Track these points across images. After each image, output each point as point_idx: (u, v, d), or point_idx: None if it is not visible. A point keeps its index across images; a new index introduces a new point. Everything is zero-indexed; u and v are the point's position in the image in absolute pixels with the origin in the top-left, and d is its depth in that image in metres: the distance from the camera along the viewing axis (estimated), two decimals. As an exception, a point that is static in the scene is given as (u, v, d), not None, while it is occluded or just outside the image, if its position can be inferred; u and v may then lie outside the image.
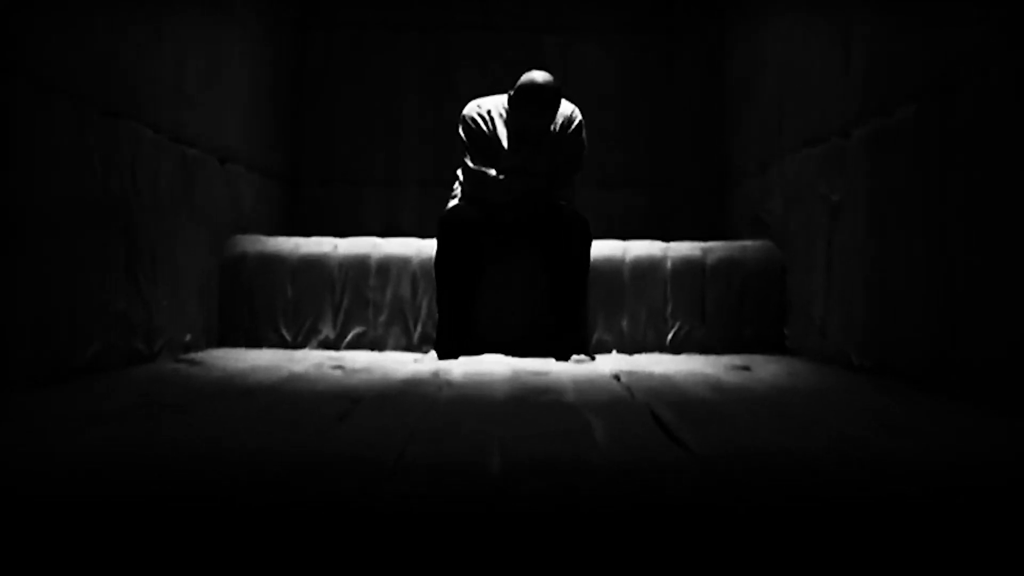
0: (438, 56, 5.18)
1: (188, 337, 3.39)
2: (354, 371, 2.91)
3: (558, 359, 3.41)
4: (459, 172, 3.74)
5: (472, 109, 3.63)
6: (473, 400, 2.30)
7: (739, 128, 4.61)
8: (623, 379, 2.73)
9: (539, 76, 3.43)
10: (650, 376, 2.85)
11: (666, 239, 4.00)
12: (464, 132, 3.60)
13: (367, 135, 5.15)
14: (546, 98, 3.41)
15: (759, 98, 4.21)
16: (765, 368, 3.12)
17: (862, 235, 2.95)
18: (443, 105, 4.94)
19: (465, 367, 3.10)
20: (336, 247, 3.83)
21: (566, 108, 3.61)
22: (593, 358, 3.48)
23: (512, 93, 3.48)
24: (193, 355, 3.26)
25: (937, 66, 2.48)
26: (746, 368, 3.09)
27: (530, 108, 3.42)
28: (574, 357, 3.40)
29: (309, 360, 3.24)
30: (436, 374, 2.82)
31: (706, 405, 2.22)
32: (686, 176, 5.12)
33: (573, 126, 3.59)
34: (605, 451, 1.65)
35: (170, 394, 2.28)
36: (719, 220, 4.90)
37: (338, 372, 2.90)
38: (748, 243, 3.92)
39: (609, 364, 3.28)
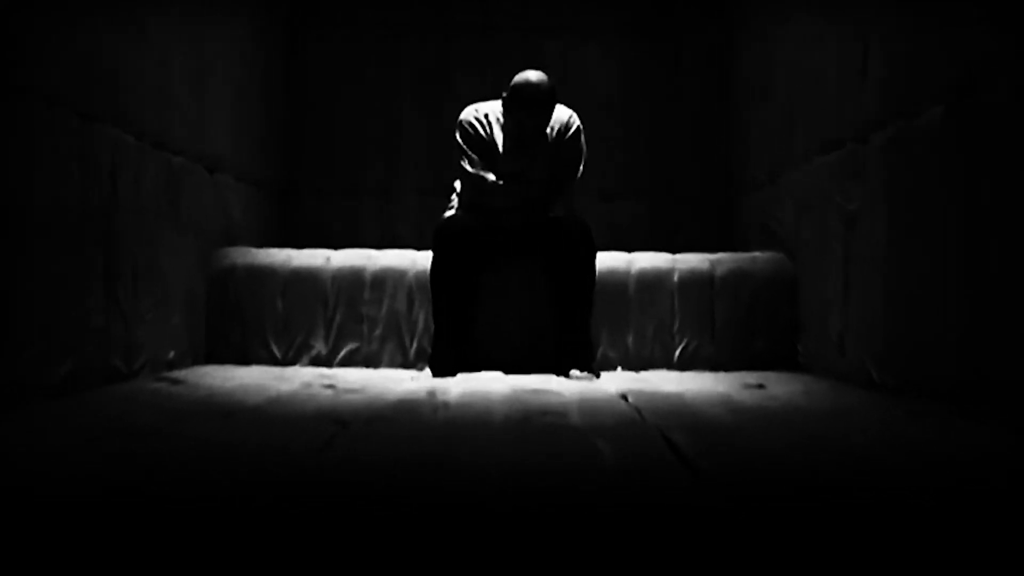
0: (437, 60, 5.03)
1: (172, 354, 3.23)
2: (345, 390, 2.75)
3: (560, 376, 3.24)
4: (456, 183, 3.59)
5: (469, 113, 3.48)
6: (470, 424, 2.14)
7: (747, 135, 4.46)
8: (631, 399, 2.56)
9: (533, 75, 3.28)
10: (659, 395, 2.69)
11: (670, 250, 3.84)
12: (461, 137, 3.45)
13: (363, 143, 5.00)
14: (540, 98, 3.26)
15: (768, 103, 4.07)
16: (780, 386, 2.96)
17: (882, 245, 2.79)
18: (442, 111, 4.77)
19: (462, 385, 2.94)
20: (329, 259, 3.67)
21: (563, 113, 3.46)
22: (597, 375, 3.32)
23: (505, 94, 3.33)
24: (176, 373, 3.10)
25: (965, 65, 2.33)
26: (760, 386, 2.93)
27: (524, 109, 3.27)
28: (577, 375, 3.23)
29: (299, 378, 3.08)
30: (431, 394, 2.66)
31: (723, 429, 2.06)
32: (691, 185, 4.96)
33: (571, 132, 3.44)
34: (616, 484, 1.49)
35: (141, 417, 2.11)
36: (725, 230, 4.75)
37: (328, 391, 2.74)
38: (758, 254, 3.76)
39: (614, 382, 3.12)
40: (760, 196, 4.18)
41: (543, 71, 3.35)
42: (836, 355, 3.16)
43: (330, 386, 2.84)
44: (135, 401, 2.41)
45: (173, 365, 3.23)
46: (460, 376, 3.25)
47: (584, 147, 3.48)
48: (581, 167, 3.48)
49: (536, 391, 2.76)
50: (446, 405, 2.43)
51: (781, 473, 1.58)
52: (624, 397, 2.60)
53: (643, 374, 3.45)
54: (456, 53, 5.03)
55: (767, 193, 4.07)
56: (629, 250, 3.78)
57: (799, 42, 3.67)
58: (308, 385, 2.85)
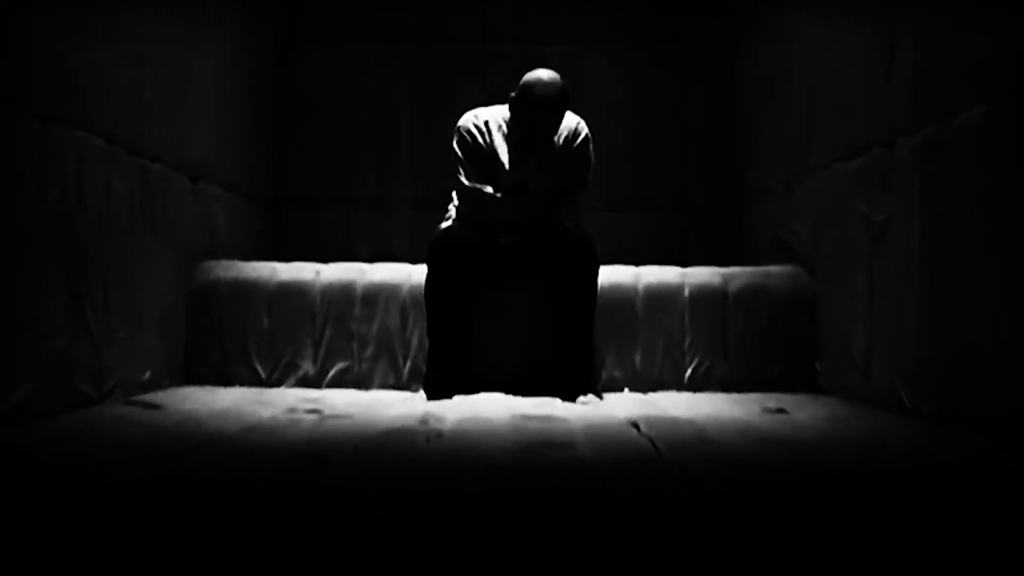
0: (434, 69, 4.82)
1: (147, 375, 3.00)
2: (331, 416, 2.52)
3: (564, 399, 3.02)
4: (454, 193, 3.38)
5: (468, 120, 3.27)
6: (467, 457, 1.91)
7: (759, 143, 4.25)
8: (643, 427, 2.34)
9: (545, 74, 3.07)
10: (673, 422, 2.47)
11: (679, 263, 3.62)
12: (459, 146, 3.23)
13: (356, 153, 4.78)
14: (554, 98, 3.05)
15: (783, 109, 3.85)
16: (802, 410, 2.74)
17: (915, 257, 2.57)
18: (439, 121, 4.54)
19: (459, 410, 2.71)
20: (318, 273, 3.45)
21: (571, 120, 3.24)
22: (602, 397, 3.10)
23: (514, 95, 3.12)
24: (151, 396, 2.87)
25: (1013, 58, 2.11)
26: (781, 411, 2.71)
27: (536, 109, 3.05)
28: (581, 398, 3.01)
29: (283, 401, 2.85)
30: (425, 420, 2.43)
31: (750, 464, 1.84)
32: (699, 195, 4.73)
33: (579, 140, 3.22)
34: (636, 532, 1.27)
35: (94, 449, 1.89)
36: (736, 243, 4.52)
37: (312, 417, 2.51)
38: (773, 268, 3.54)
39: (622, 406, 2.89)
40: (773, 206, 3.97)
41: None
42: (860, 377, 2.94)
43: (315, 411, 2.61)
44: (95, 429, 2.18)
45: (148, 387, 3.01)
46: (456, 399, 3.02)
47: (592, 156, 3.27)
48: (589, 178, 3.27)
49: (539, 417, 2.53)
50: (440, 435, 2.21)
51: (819, 525, 1.36)
52: (635, 425, 2.38)
53: (651, 396, 3.22)
54: (454, 60, 4.82)
55: (781, 203, 3.85)
56: (636, 263, 3.56)
57: (816, 43, 3.46)
58: (291, 410, 2.63)
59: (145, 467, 1.73)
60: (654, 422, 2.44)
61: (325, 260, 3.60)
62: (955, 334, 2.36)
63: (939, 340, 2.44)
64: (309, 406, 2.72)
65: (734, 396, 3.19)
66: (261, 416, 2.51)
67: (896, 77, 2.73)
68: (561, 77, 3.11)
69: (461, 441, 2.13)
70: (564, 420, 2.48)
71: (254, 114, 4.33)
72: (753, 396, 3.16)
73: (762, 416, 2.64)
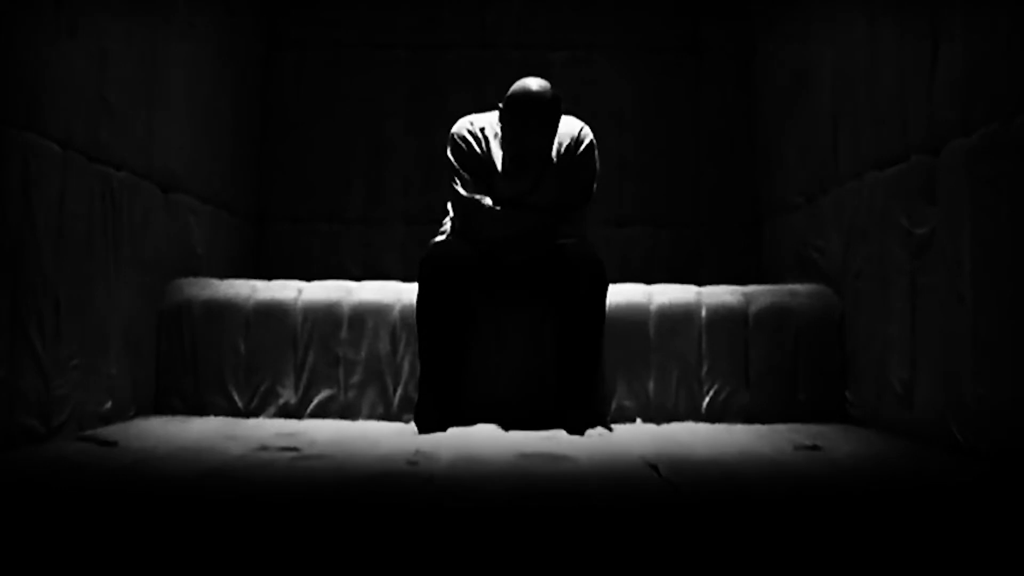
0: (428, 76, 4.54)
1: (107, 405, 2.70)
2: (308, 456, 2.22)
3: (570, 432, 2.72)
4: (448, 206, 3.09)
5: (463, 126, 2.99)
6: (462, 513, 1.61)
7: (778, 152, 3.96)
8: (663, 470, 2.03)
9: (533, 83, 2.80)
10: (695, 463, 2.17)
11: (694, 282, 3.33)
12: (453, 153, 2.95)
13: (345, 165, 4.49)
14: (544, 109, 2.78)
15: (805, 116, 3.57)
16: (837, 446, 2.44)
17: (966, 275, 2.29)
18: (434, 132, 4.25)
19: (454, 446, 2.41)
20: (300, 292, 3.15)
21: (573, 126, 2.97)
22: (611, 429, 2.80)
23: (502, 105, 2.85)
24: (110, 430, 2.57)
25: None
26: (815, 447, 2.40)
27: (525, 122, 2.78)
28: (589, 431, 2.71)
29: (257, 436, 2.55)
30: (415, 461, 2.13)
31: (793, 519, 1.54)
32: (713, 209, 4.44)
33: (583, 147, 2.94)
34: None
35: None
36: (754, 260, 4.23)
37: (288, 456, 2.22)
38: (798, 287, 3.25)
39: (635, 440, 2.60)
40: (794, 220, 3.68)
41: (547, 81, 2.86)
42: (900, 408, 2.64)
43: (291, 448, 2.31)
44: (26, 472, 1.88)
45: (109, 419, 2.71)
46: (451, 431, 2.72)
47: (597, 165, 2.99)
48: (594, 188, 2.99)
49: (543, 456, 2.23)
50: (431, 479, 1.91)
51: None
52: (654, 468, 2.07)
53: (666, 428, 2.93)
54: (450, 67, 4.54)
55: (804, 216, 3.57)
56: (645, 281, 3.27)
57: (843, 43, 3.18)
58: (264, 448, 2.32)
59: (55, 529, 1.43)
60: (673, 462, 2.14)
61: (312, 278, 3.31)
62: (1016, 365, 2.07)
63: (1000, 370, 2.15)
64: (285, 442, 2.42)
65: (757, 428, 2.89)
66: (229, 455, 2.21)
67: (940, 75, 2.45)
68: (552, 86, 2.84)
69: (455, 488, 1.83)
70: (573, 460, 2.18)
71: (235, 122, 4.05)
72: (779, 429, 2.86)
73: (794, 454, 2.34)
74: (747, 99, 4.38)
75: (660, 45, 4.53)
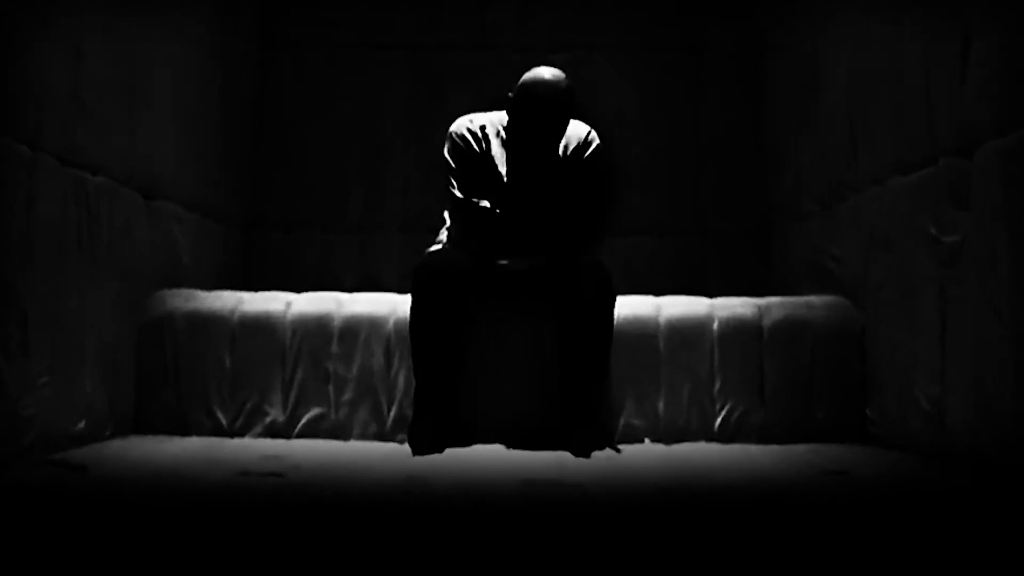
0: (426, 79, 4.37)
1: (81, 425, 2.53)
2: (294, 483, 2.05)
3: (575, 454, 2.54)
4: (445, 213, 2.93)
5: (462, 125, 2.83)
6: (456, 556, 1.44)
7: (789, 158, 3.80)
8: (681, 500, 1.86)
9: (548, 72, 2.64)
10: (718, 493, 1.99)
11: (704, 293, 3.16)
12: (451, 154, 2.79)
13: (340, 171, 4.32)
14: (559, 100, 2.61)
15: (819, 119, 3.41)
16: (865, 471, 2.27)
17: (1004, 285, 2.12)
18: (432, 135, 4.06)
19: (450, 470, 2.24)
20: (289, 305, 2.98)
21: (580, 129, 2.81)
22: (619, 451, 2.63)
23: (512, 97, 2.68)
24: (83, 452, 2.40)
25: None
26: (841, 472, 2.23)
27: (539, 114, 2.61)
28: (596, 453, 2.54)
29: (240, 459, 2.38)
30: (408, 490, 1.96)
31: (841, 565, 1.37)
32: (720, 217, 4.27)
33: (591, 151, 2.79)
34: None
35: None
36: (764, 270, 4.06)
37: (271, 482, 2.04)
38: (814, 299, 3.08)
39: (645, 463, 2.43)
40: (808, 228, 3.51)
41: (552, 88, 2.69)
42: (929, 427, 2.47)
43: (275, 474, 2.14)
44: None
45: (84, 440, 2.53)
46: (448, 453, 2.55)
47: (606, 171, 2.83)
48: (605, 197, 2.82)
49: (548, 483, 2.06)
50: (428, 510, 1.73)
51: None
52: (670, 498, 1.89)
53: (677, 448, 2.76)
54: (449, 69, 4.38)
55: (819, 224, 3.40)
56: (651, 292, 3.10)
57: (860, 41, 3.02)
58: (246, 473, 2.15)
59: None
60: (693, 491, 1.96)
61: (305, 289, 3.14)
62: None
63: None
64: (270, 466, 2.25)
65: (774, 449, 2.72)
66: (207, 480, 2.04)
67: (972, 73, 2.29)
68: (566, 76, 2.68)
69: (451, 528, 1.65)
70: (580, 487, 2.01)
71: (226, 126, 3.88)
72: (797, 449, 2.69)
73: (818, 479, 2.17)
74: (753, 101, 4.22)
75: (661, 45, 4.37)
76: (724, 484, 2.08)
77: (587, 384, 2.68)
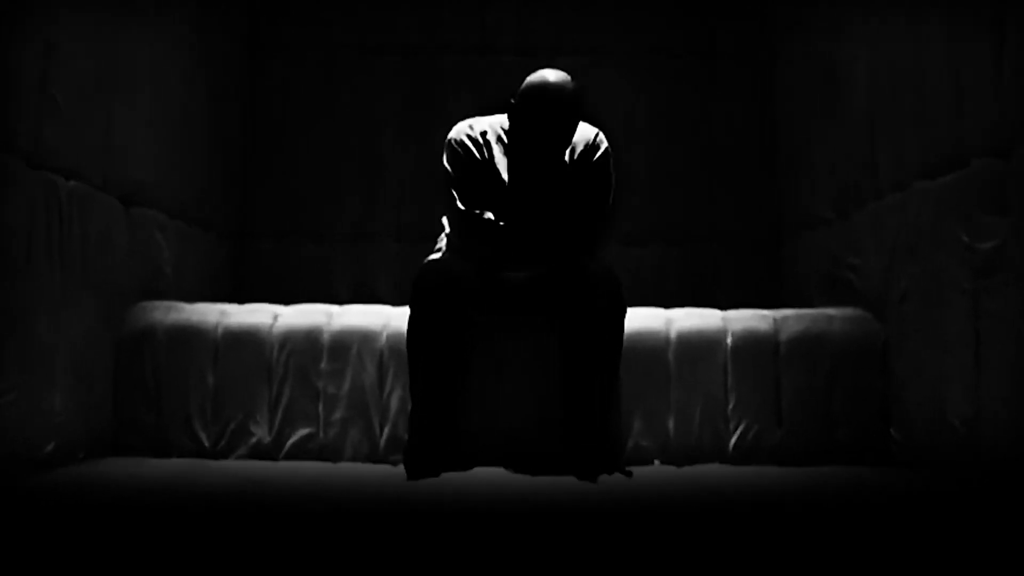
0: (424, 83, 4.22)
1: (50, 447, 2.36)
2: (277, 512, 1.87)
3: (581, 478, 2.36)
4: (444, 221, 2.76)
5: (461, 131, 2.66)
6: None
7: (803, 163, 3.64)
8: (702, 536, 1.68)
9: (553, 75, 2.47)
10: (742, 527, 1.82)
11: (715, 305, 2.99)
12: (450, 162, 2.62)
13: (334, 178, 4.15)
14: (567, 103, 2.45)
15: (836, 121, 3.25)
16: (896, 495, 2.09)
17: (1048, 299, 1.95)
18: (429, 142, 3.92)
19: (447, 496, 2.07)
20: (276, 317, 2.81)
21: (588, 132, 2.65)
22: (628, 474, 2.45)
23: (515, 102, 2.52)
24: (52, 476, 2.23)
25: None
26: (873, 494, 2.06)
27: (546, 119, 2.45)
28: (603, 477, 2.36)
29: (222, 483, 2.21)
30: (402, 516, 1.78)
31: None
32: (730, 226, 4.10)
33: (599, 155, 2.62)
34: None
35: None
36: (776, 281, 3.90)
37: (251, 511, 1.87)
38: (832, 312, 2.91)
39: (657, 488, 2.25)
40: (824, 236, 3.35)
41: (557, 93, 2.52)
42: (962, 449, 2.29)
43: (257, 502, 1.96)
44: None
45: (53, 463, 2.36)
46: (445, 477, 2.38)
47: (615, 178, 2.67)
48: (611, 203, 2.66)
49: (555, 513, 1.89)
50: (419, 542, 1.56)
51: None
52: (691, 531, 1.72)
53: (689, 471, 2.59)
54: (448, 74, 4.22)
55: (835, 232, 3.23)
56: (660, 304, 2.93)
57: (880, 39, 2.86)
58: (226, 498, 1.98)
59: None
60: (707, 515, 1.79)
61: (297, 300, 2.97)
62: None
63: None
64: (253, 490, 2.08)
65: (792, 471, 2.55)
66: (179, 511, 1.86)
67: (1009, 70, 2.13)
68: (573, 78, 2.51)
69: (446, 566, 1.48)
70: (590, 518, 1.84)
71: (214, 130, 3.72)
72: (817, 473, 2.52)
73: (845, 504, 2.00)
74: (765, 105, 4.06)
75: (671, 50, 4.22)
76: (744, 512, 1.91)
77: (594, 401, 2.50)
